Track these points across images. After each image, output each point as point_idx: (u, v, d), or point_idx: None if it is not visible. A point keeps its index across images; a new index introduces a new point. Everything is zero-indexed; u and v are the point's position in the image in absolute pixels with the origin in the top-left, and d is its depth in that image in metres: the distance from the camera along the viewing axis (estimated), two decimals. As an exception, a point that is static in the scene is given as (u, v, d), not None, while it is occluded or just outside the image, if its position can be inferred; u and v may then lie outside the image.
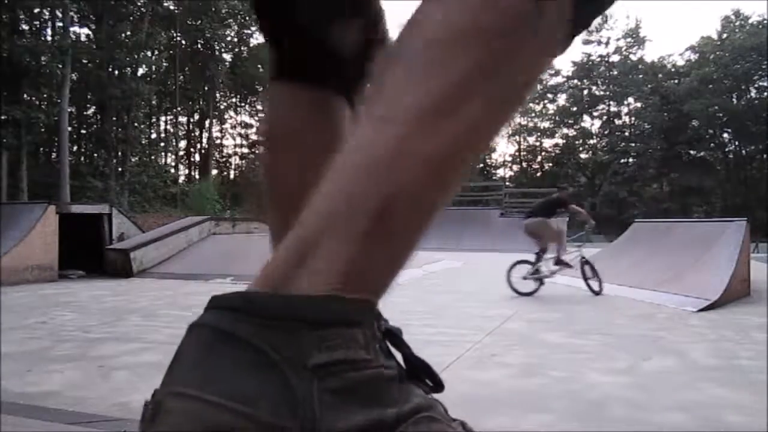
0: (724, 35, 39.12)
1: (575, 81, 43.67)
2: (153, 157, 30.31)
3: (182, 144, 36.50)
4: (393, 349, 0.47)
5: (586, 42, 42.23)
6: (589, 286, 6.06)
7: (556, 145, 43.81)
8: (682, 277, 5.69)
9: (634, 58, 42.02)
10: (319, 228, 0.38)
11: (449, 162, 0.40)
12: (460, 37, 0.40)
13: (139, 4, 26.80)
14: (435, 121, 0.39)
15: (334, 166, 0.41)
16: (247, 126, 39.42)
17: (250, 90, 37.90)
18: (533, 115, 43.86)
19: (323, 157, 0.48)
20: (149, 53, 29.27)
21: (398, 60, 0.42)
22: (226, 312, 0.38)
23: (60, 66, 21.68)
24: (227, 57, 36.09)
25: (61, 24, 23.43)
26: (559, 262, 6.27)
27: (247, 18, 35.21)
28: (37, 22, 24.79)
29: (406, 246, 0.41)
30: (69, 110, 23.84)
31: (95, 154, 26.99)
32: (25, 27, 23.73)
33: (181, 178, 34.49)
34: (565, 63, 44.05)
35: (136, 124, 26.55)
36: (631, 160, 40.17)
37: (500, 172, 45.09)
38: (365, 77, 0.70)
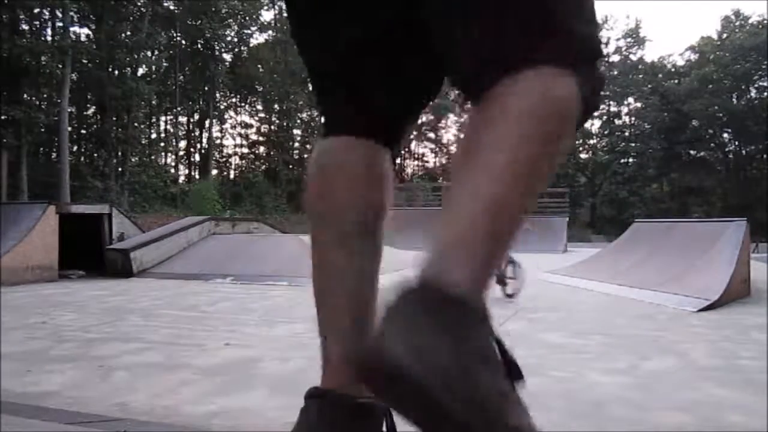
0: (724, 35, 39.14)
1: (575, 81, 43.68)
2: (153, 157, 30.33)
3: (182, 144, 36.53)
4: None
5: (586, 42, 42.29)
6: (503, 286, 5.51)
7: (556, 145, 43.79)
8: (682, 277, 5.69)
9: (634, 58, 42.05)
10: (457, 244, 0.63)
11: (525, 205, 0.67)
12: (535, 129, 0.65)
13: (139, 4, 26.83)
14: (524, 182, 0.65)
15: (458, 209, 0.66)
16: (247, 126, 39.44)
17: (250, 90, 37.89)
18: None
19: (371, 185, 0.88)
20: (149, 53, 29.29)
21: (494, 140, 0.66)
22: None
23: (60, 66, 21.70)
24: (227, 57, 36.10)
25: (61, 24, 23.45)
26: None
27: (247, 18, 35.23)
28: (37, 22, 24.81)
29: (503, 252, 0.70)
30: (69, 110, 23.86)
31: (95, 154, 27.00)
32: (25, 27, 23.75)
33: (181, 178, 34.52)
34: (565, 63, 43.97)
35: (136, 124, 26.57)
36: (631, 160, 40.18)
37: (500, 172, 44.97)
38: (406, 135, 0.98)
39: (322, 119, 0.96)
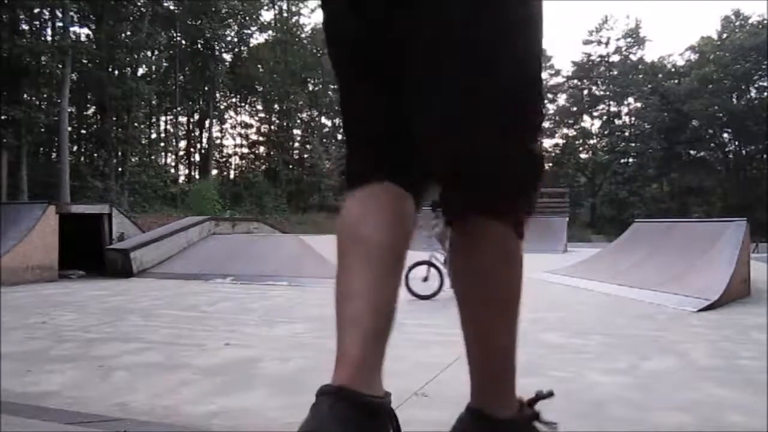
0: (724, 35, 39.15)
1: (575, 81, 43.70)
2: (153, 157, 30.33)
3: (182, 144, 36.51)
4: None
5: (586, 42, 42.27)
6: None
7: (556, 145, 43.83)
8: (682, 277, 5.69)
9: (634, 58, 42.06)
10: (479, 364, 1.13)
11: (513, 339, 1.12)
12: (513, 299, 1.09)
13: (139, 4, 26.82)
14: (510, 330, 1.13)
15: (475, 344, 1.13)
16: (247, 126, 39.43)
17: (250, 90, 37.88)
18: (533, 115, 43.76)
19: (396, 223, 1.03)
20: (149, 53, 29.29)
21: (489, 301, 1.08)
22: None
23: (60, 66, 21.69)
24: (227, 57, 36.09)
25: (61, 24, 23.44)
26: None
27: (247, 18, 35.22)
28: (37, 22, 24.81)
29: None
30: (69, 110, 23.86)
31: (95, 154, 27.00)
32: (25, 27, 23.74)
33: (181, 178, 34.51)
34: (565, 63, 44.08)
35: (136, 124, 26.56)
36: (631, 160, 40.17)
37: (500, 172, 44.99)
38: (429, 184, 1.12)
39: (350, 168, 1.10)
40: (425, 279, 5.78)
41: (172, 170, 34.07)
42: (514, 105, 0.96)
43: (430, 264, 5.85)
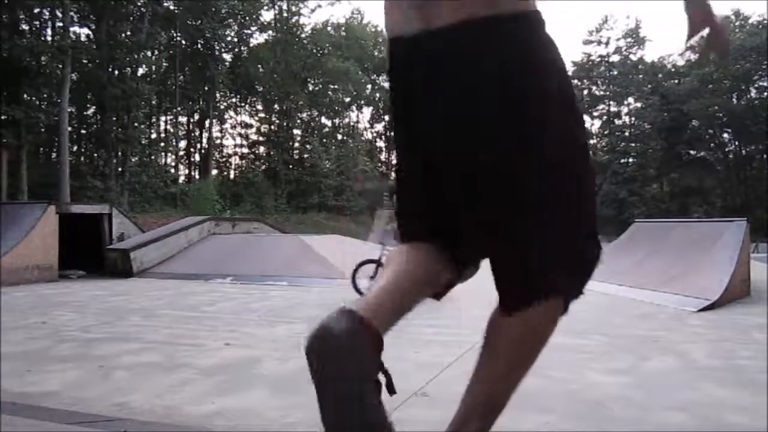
0: (724, 35, 39.09)
1: (575, 81, 43.68)
2: (153, 157, 30.29)
3: (182, 144, 36.48)
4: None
5: (587, 42, 42.27)
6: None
7: (556, 145, 43.78)
8: (682, 277, 5.69)
9: (634, 58, 42.04)
10: (477, 408, 1.17)
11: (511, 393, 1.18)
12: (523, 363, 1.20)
13: (139, 4, 26.79)
14: (513, 385, 1.18)
15: (485, 384, 1.19)
16: (247, 126, 39.41)
17: (250, 90, 37.87)
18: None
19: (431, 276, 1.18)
20: (149, 53, 29.27)
21: (500, 359, 1.18)
22: None
23: (60, 66, 21.67)
24: (227, 57, 36.06)
25: (61, 24, 23.41)
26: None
27: (247, 18, 35.22)
28: (37, 22, 24.79)
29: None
30: (69, 110, 23.82)
31: (95, 154, 26.98)
32: (25, 27, 23.72)
33: (181, 178, 34.47)
34: (565, 63, 44.02)
35: (136, 124, 26.52)
36: (631, 160, 40.17)
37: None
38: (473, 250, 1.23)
39: (401, 229, 1.28)
40: (372, 277, 5.64)
41: (172, 170, 34.05)
42: (575, 211, 1.11)
43: (378, 263, 5.71)
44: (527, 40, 1.03)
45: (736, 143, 40.05)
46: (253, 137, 39.11)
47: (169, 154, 34.94)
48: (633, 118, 42.04)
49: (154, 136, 33.19)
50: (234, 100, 39.12)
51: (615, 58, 42.14)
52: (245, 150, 39.31)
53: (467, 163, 1.06)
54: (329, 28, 40.56)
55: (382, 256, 5.74)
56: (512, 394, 1.17)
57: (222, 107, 37.90)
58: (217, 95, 36.33)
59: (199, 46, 33.14)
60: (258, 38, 37.64)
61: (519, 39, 1.02)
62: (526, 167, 1.03)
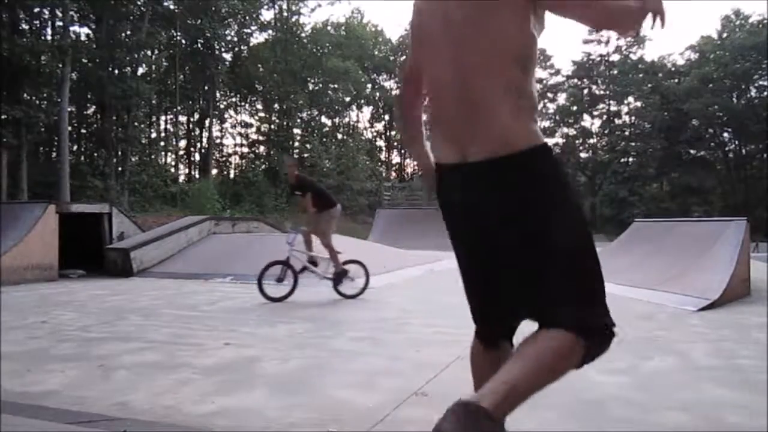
0: (724, 35, 39.11)
1: (575, 80, 43.67)
2: (153, 157, 30.29)
3: (182, 143, 36.43)
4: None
5: (586, 41, 42.25)
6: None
7: (556, 144, 43.75)
8: (682, 277, 5.69)
9: (634, 57, 41.97)
10: (504, 393, 1.32)
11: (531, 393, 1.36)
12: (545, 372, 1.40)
13: (139, 3, 26.78)
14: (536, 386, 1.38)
15: (510, 378, 1.35)
16: (247, 125, 39.39)
17: (250, 90, 37.86)
18: (533, 114, 43.75)
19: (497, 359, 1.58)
20: (149, 53, 29.26)
21: (524, 365, 1.37)
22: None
23: (60, 66, 21.66)
24: (227, 56, 36.05)
25: (61, 24, 23.40)
26: (311, 260, 5.84)
27: (247, 18, 35.21)
28: (37, 22, 24.76)
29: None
30: (69, 110, 23.81)
31: (95, 154, 26.96)
32: (25, 27, 23.71)
33: (181, 178, 34.44)
34: (565, 62, 44.08)
35: (136, 124, 26.52)
36: (631, 159, 40.13)
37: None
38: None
39: (476, 329, 1.67)
40: (279, 279, 5.59)
41: (172, 170, 34.01)
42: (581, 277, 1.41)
43: (286, 264, 5.64)
44: (534, 169, 1.40)
45: (736, 142, 40.02)
46: (253, 136, 39.10)
47: (169, 154, 34.92)
48: (633, 118, 41.98)
49: (154, 135, 33.19)
50: (234, 99, 39.09)
51: (615, 57, 42.08)
52: (245, 149, 39.30)
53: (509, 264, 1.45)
54: (329, 28, 40.52)
55: (289, 257, 5.68)
56: (526, 396, 1.35)
57: (222, 106, 37.87)
58: (217, 94, 36.31)
59: (199, 45, 33.12)
60: (258, 38, 37.61)
61: (528, 169, 1.38)
62: (543, 257, 1.39)
